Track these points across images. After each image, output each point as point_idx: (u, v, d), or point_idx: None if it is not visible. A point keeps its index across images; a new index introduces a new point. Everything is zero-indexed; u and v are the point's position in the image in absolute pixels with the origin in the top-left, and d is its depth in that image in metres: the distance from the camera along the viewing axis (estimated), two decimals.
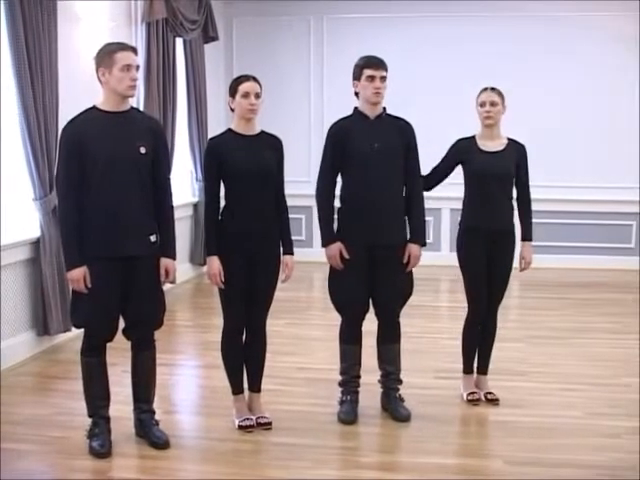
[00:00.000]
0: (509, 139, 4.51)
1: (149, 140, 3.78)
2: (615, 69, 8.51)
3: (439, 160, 4.54)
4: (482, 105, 4.43)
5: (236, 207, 4.01)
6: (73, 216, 3.69)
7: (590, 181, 8.61)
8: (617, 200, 8.61)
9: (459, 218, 4.58)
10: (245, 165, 3.95)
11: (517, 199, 4.54)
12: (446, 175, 4.55)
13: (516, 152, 4.48)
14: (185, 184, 8.26)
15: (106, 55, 3.68)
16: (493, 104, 4.40)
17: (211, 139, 4.10)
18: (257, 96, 3.97)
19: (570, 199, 8.68)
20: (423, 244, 4.27)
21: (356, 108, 4.25)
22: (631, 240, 8.75)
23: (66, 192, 3.71)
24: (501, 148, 4.45)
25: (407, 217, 4.27)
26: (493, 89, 4.45)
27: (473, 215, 4.46)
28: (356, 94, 4.23)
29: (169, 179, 4.01)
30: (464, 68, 8.40)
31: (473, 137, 4.49)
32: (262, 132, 4.10)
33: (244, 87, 3.95)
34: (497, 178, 4.40)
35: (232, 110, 4.04)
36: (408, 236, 4.24)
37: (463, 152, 4.46)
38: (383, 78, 4.13)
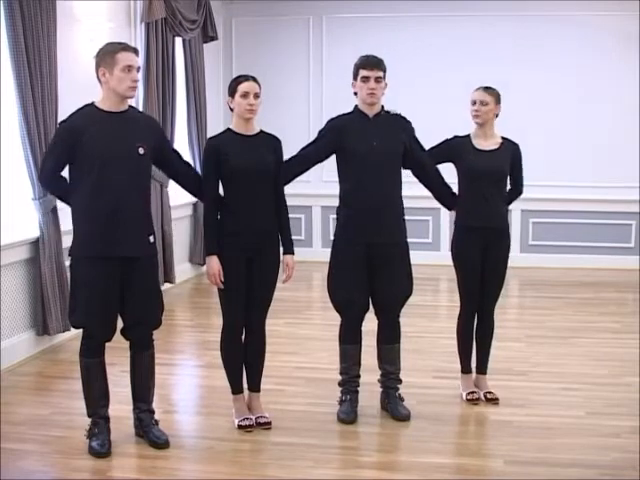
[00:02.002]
0: (503, 138, 4.50)
1: (148, 140, 3.78)
2: (615, 69, 8.50)
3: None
4: (472, 103, 4.43)
5: (235, 207, 4.00)
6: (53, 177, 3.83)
7: (590, 181, 8.58)
8: (617, 200, 8.59)
9: None
10: (244, 165, 3.95)
11: (509, 193, 4.56)
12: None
13: (510, 151, 4.48)
14: None
15: (107, 55, 3.67)
16: (483, 103, 4.39)
17: (210, 139, 4.09)
18: (256, 96, 3.96)
19: (570, 199, 8.66)
20: None
21: (356, 106, 4.25)
22: (631, 240, 8.73)
23: (43, 161, 3.87)
24: (495, 147, 4.46)
25: (443, 195, 4.44)
26: (486, 88, 4.44)
27: (468, 214, 4.46)
28: (355, 93, 4.23)
29: (189, 164, 4.18)
30: (464, 68, 8.37)
31: (468, 136, 4.49)
32: (261, 132, 4.10)
33: (243, 87, 3.95)
34: (491, 177, 4.41)
35: (231, 110, 4.04)
36: (407, 235, 4.25)
37: (457, 149, 4.45)
38: (379, 79, 4.12)
